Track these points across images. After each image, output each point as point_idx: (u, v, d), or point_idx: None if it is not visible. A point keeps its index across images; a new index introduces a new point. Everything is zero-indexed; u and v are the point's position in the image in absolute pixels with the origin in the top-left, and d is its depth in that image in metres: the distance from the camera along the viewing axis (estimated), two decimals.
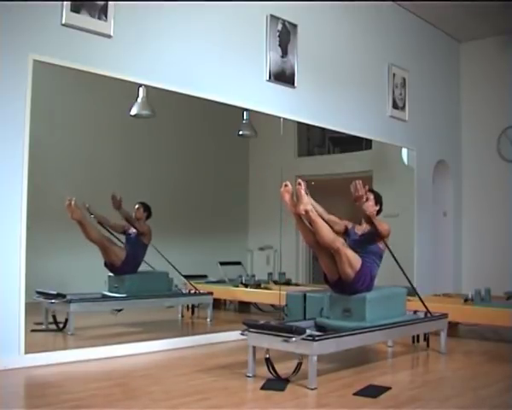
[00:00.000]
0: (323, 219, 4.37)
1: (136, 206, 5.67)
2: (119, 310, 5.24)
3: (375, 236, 4.35)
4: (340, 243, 4.07)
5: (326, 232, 4.03)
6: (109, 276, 5.41)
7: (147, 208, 5.69)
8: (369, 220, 4.27)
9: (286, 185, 4.10)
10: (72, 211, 5.05)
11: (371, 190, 4.51)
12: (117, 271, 5.41)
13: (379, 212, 4.50)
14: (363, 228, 4.49)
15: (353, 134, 6.60)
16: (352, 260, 4.11)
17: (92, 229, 5.22)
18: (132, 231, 5.65)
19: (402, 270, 4.62)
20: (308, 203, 4.03)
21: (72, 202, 5.02)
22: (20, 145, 3.97)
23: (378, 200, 4.49)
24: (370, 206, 4.36)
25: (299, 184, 4.07)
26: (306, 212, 4.00)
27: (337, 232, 4.39)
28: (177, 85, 4.86)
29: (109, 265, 5.40)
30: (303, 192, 4.04)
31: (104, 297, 5.31)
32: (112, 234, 5.50)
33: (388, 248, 4.44)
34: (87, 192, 5.41)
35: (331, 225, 4.42)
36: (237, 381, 3.69)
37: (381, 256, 4.41)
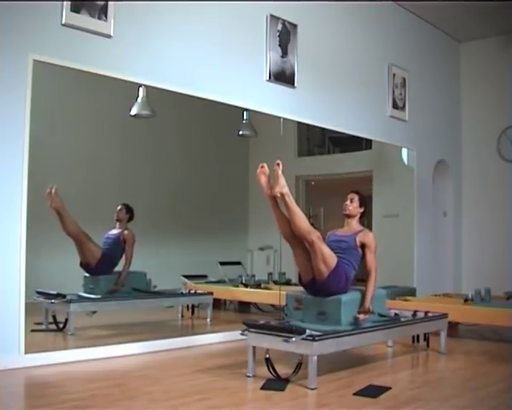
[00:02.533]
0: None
1: (119, 207, 5.55)
2: (94, 312, 5.16)
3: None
4: (315, 235, 3.84)
5: (302, 221, 3.84)
6: (85, 276, 5.28)
7: (129, 210, 5.57)
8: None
9: (262, 167, 3.93)
10: (52, 199, 4.93)
11: (356, 192, 4.40)
12: (92, 271, 5.28)
13: (363, 214, 4.40)
14: (344, 231, 4.34)
15: (353, 134, 6.60)
16: (327, 256, 3.89)
17: (70, 221, 5.07)
18: (111, 233, 5.55)
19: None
20: (284, 186, 3.84)
21: (53, 191, 4.91)
22: (20, 145, 3.97)
23: (362, 202, 4.38)
24: (354, 207, 4.33)
25: (278, 164, 3.88)
26: (282, 195, 3.84)
27: None
28: (177, 85, 4.86)
29: (84, 264, 5.27)
30: (280, 173, 3.86)
31: (80, 298, 5.14)
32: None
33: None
34: (87, 192, 5.41)
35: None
36: (237, 381, 3.69)
37: (359, 260, 4.23)
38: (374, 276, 4.16)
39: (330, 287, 3.97)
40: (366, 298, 4.10)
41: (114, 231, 5.58)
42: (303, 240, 3.89)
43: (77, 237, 5.17)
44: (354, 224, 4.34)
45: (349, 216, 4.35)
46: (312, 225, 4.03)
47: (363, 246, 4.21)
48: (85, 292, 5.23)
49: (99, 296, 5.16)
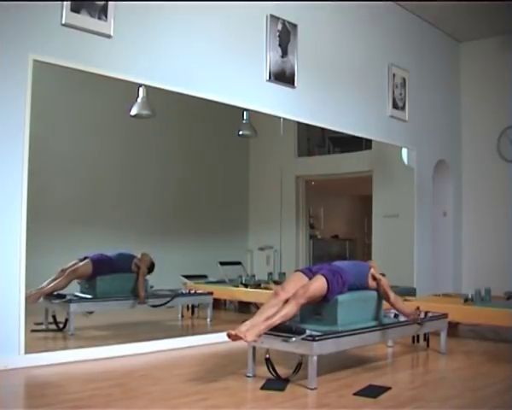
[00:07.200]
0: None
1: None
2: (91, 312, 5.12)
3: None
4: (301, 298, 3.77)
5: (288, 313, 3.72)
6: None
7: (151, 266, 5.51)
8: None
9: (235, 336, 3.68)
10: (32, 300, 4.69)
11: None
12: (87, 278, 5.23)
13: None
14: None
15: (353, 134, 6.60)
16: (318, 290, 3.86)
17: (59, 285, 4.98)
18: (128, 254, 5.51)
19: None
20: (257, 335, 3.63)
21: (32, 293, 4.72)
22: (20, 145, 3.97)
23: None
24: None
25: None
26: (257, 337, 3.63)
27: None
28: (177, 85, 4.86)
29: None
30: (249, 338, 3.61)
31: (79, 298, 5.11)
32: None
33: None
34: (87, 192, 5.41)
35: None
36: (237, 381, 3.70)
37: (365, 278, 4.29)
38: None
39: (330, 296, 3.94)
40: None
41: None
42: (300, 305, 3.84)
43: (71, 280, 5.08)
44: None
45: None
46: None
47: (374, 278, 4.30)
48: (81, 292, 5.18)
49: (93, 296, 5.11)
